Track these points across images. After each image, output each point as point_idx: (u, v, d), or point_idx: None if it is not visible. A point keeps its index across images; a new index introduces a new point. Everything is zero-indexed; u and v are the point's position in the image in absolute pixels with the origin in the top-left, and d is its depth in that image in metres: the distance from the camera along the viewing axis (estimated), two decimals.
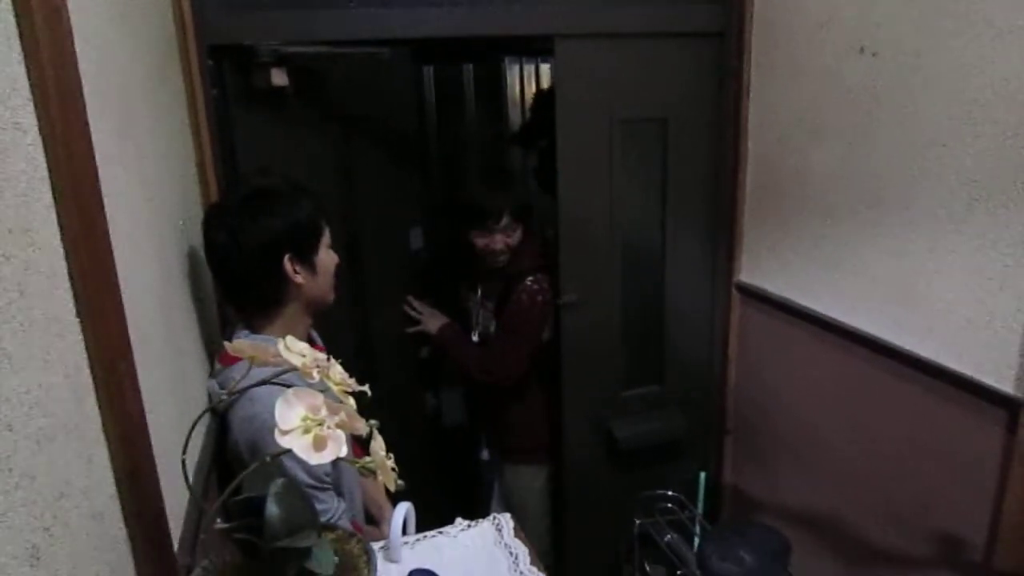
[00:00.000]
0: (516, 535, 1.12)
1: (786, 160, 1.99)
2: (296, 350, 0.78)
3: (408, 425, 2.51)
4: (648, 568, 2.23)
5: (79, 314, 0.72)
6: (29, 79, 0.66)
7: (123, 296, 0.84)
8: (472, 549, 1.10)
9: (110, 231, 0.82)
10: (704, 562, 1.72)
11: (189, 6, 1.57)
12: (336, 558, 0.78)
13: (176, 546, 0.97)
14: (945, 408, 1.59)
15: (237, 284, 1.40)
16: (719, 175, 2.21)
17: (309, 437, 0.70)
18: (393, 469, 0.78)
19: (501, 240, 2.12)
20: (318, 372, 0.78)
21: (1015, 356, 1.43)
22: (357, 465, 0.80)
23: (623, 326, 2.25)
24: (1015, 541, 1.44)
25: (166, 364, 1.09)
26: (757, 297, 2.19)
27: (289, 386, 0.73)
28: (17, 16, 0.65)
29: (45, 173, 0.68)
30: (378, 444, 0.78)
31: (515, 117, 4.44)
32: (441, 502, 2.56)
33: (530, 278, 2.15)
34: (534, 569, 1.04)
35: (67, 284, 0.71)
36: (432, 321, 2.31)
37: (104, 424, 0.77)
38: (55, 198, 0.69)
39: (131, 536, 0.81)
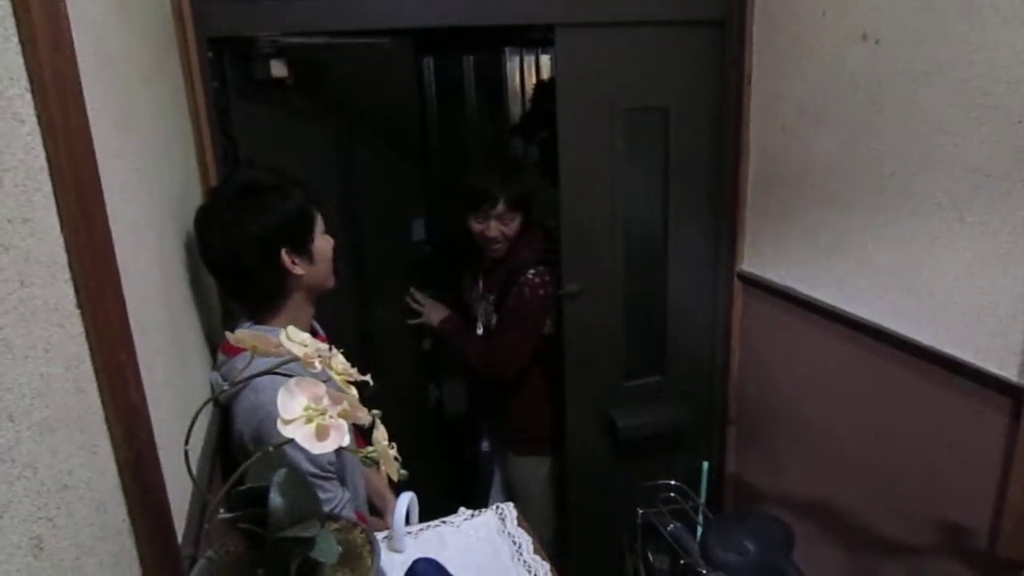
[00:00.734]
0: (519, 524, 1.13)
1: (788, 149, 1.99)
2: (298, 340, 0.78)
3: (410, 417, 2.51)
4: (651, 558, 2.23)
5: (79, 304, 0.72)
6: (27, 68, 0.66)
7: (124, 287, 0.83)
8: (475, 538, 1.11)
9: (110, 222, 0.82)
10: (707, 551, 1.72)
11: None
12: (339, 548, 0.78)
13: (180, 537, 0.97)
14: (948, 396, 1.59)
15: (237, 282, 1.40)
16: (721, 164, 2.20)
17: (311, 426, 0.70)
18: (396, 459, 0.78)
19: (496, 228, 2.12)
20: (320, 362, 0.78)
21: (1019, 343, 1.42)
22: (360, 455, 0.80)
23: (625, 316, 2.25)
24: (1019, 529, 1.44)
25: (168, 355, 1.09)
26: (759, 286, 2.18)
27: (291, 376, 0.73)
28: (14, 4, 0.64)
29: (44, 163, 0.68)
30: (380, 434, 0.78)
31: (515, 108, 4.43)
32: (442, 493, 2.57)
33: (532, 271, 2.14)
34: (537, 558, 1.04)
35: (67, 274, 0.71)
36: (434, 313, 2.32)
37: (106, 415, 0.77)
38: (54, 188, 0.69)
39: (134, 527, 0.81)
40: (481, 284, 2.30)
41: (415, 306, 2.35)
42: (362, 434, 0.85)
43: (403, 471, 0.80)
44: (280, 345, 0.78)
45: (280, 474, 0.75)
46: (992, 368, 1.48)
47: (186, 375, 1.21)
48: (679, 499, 2.22)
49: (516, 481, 2.43)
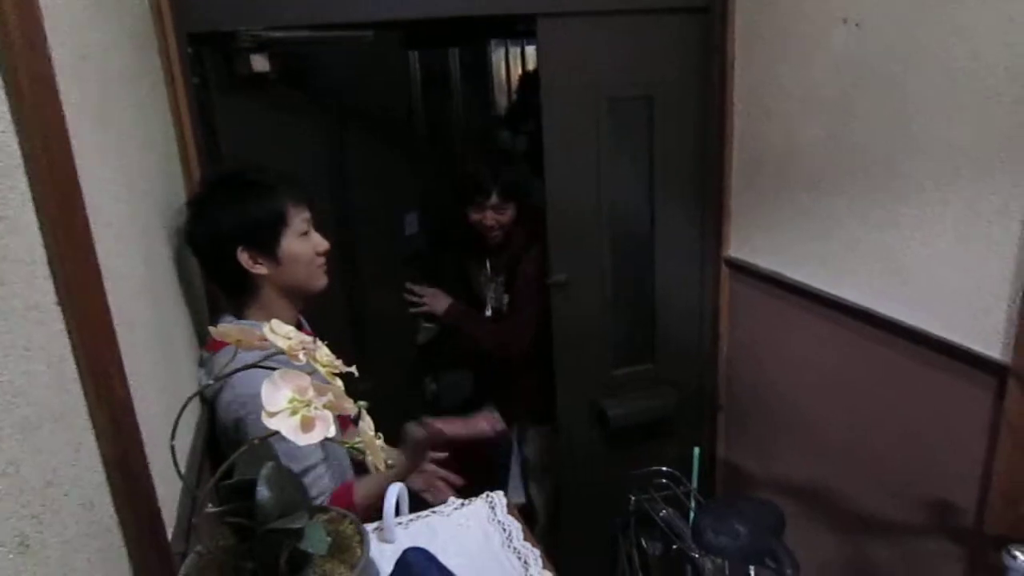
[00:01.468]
0: (509, 512, 1.13)
1: (773, 134, 1.99)
2: (281, 333, 0.78)
3: (407, 412, 2.50)
4: (645, 544, 2.25)
5: (60, 302, 0.72)
6: (0, 66, 0.65)
7: (106, 283, 0.83)
8: (466, 527, 1.11)
9: (90, 219, 0.81)
10: (699, 536, 1.73)
11: None
12: (329, 539, 0.78)
13: (170, 533, 0.97)
14: (934, 376, 1.60)
15: (209, 272, 1.47)
16: (706, 151, 2.21)
17: (296, 418, 0.70)
18: (382, 448, 0.79)
19: (492, 217, 2.21)
20: (304, 354, 0.78)
21: (1002, 322, 1.43)
22: (347, 446, 0.81)
23: (613, 305, 2.26)
24: (1005, 506, 1.46)
25: (154, 352, 1.09)
26: (746, 272, 2.19)
27: (275, 368, 0.73)
28: None
29: (20, 161, 0.67)
30: (366, 424, 0.78)
31: (502, 100, 4.43)
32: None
33: (531, 253, 2.23)
34: (527, 544, 1.05)
35: (47, 271, 0.70)
36: (438, 301, 2.34)
37: (91, 412, 0.76)
38: (31, 186, 0.69)
39: (123, 523, 0.81)
40: (488, 267, 2.37)
41: (414, 299, 2.36)
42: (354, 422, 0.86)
43: (391, 460, 0.81)
44: (264, 339, 0.78)
45: (267, 467, 0.76)
46: (976, 347, 1.49)
47: (173, 371, 1.21)
48: (671, 485, 2.23)
49: (538, 454, 2.48)
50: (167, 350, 1.19)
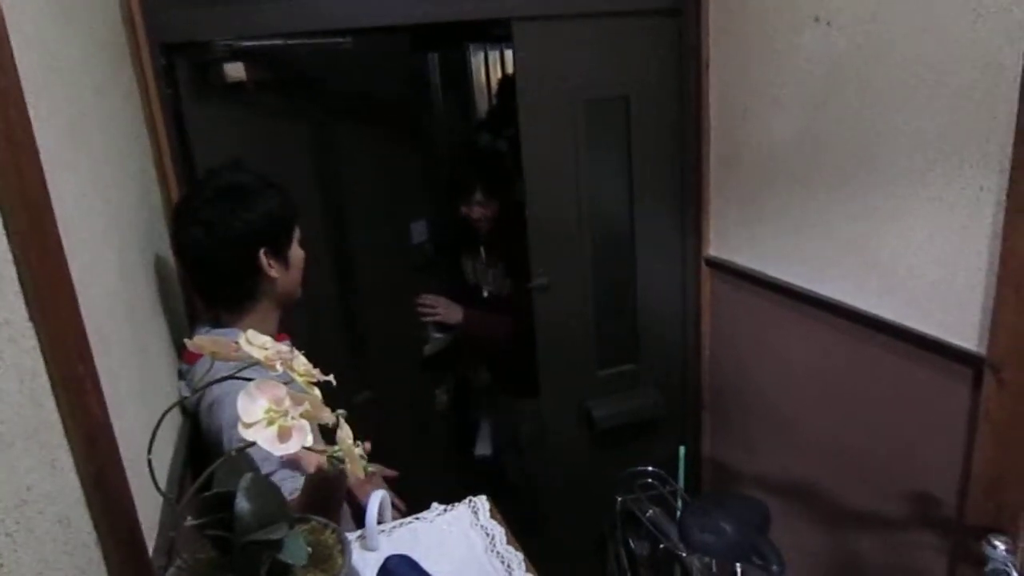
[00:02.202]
0: (492, 516, 1.13)
1: (749, 132, 2.01)
2: (257, 343, 0.78)
3: (416, 424, 2.47)
4: (632, 544, 2.25)
5: (32, 318, 0.71)
6: None
7: (80, 299, 0.83)
8: (449, 532, 1.11)
9: (63, 233, 0.81)
10: (685, 534, 1.74)
11: (138, 4, 1.55)
12: (309, 549, 0.78)
13: (152, 548, 0.96)
14: (912, 369, 1.62)
15: (211, 279, 1.40)
16: (683, 151, 2.22)
17: (273, 428, 0.70)
18: (361, 456, 0.79)
19: (479, 211, 2.41)
20: (281, 364, 0.77)
21: (977, 314, 1.45)
22: (326, 454, 0.80)
23: (595, 306, 2.26)
24: (984, 496, 1.47)
25: (131, 367, 1.08)
26: (726, 270, 2.21)
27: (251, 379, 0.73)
28: None
29: None
30: (345, 432, 0.78)
31: (482, 104, 4.43)
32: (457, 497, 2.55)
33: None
34: (510, 548, 1.05)
35: (17, 288, 0.70)
36: (453, 311, 2.42)
37: (66, 428, 0.76)
38: None
39: (101, 539, 0.80)
40: (483, 255, 2.52)
41: (427, 309, 2.41)
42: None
43: (371, 467, 0.81)
44: (239, 348, 0.78)
45: (246, 478, 0.75)
46: (953, 339, 1.51)
47: (152, 385, 1.20)
48: (657, 485, 2.25)
49: (520, 423, 2.55)
50: (145, 363, 1.18)
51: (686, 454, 2.38)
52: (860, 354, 1.76)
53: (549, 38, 1.99)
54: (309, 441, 0.71)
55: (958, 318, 1.49)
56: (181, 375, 1.40)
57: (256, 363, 0.77)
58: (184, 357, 1.40)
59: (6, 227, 0.69)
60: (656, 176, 2.22)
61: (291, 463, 1.20)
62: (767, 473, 2.18)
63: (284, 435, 0.70)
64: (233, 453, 0.77)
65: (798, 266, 1.92)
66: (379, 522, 1.12)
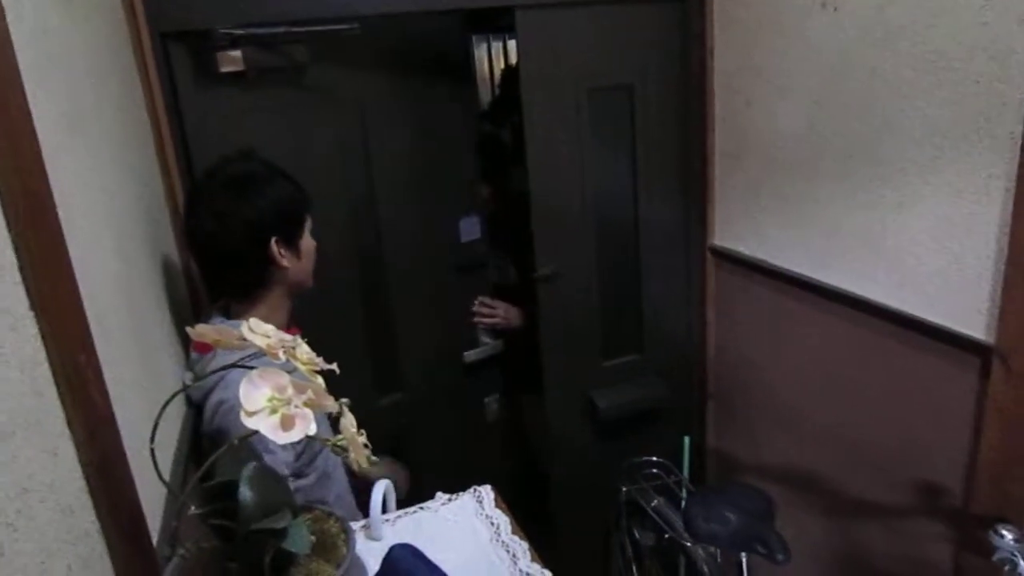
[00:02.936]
0: (497, 505, 1.13)
1: (754, 121, 1.99)
2: (260, 331, 0.77)
3: (462, 434, 2.37)
4: (637, 534, 2.25)
5: (33, 307, 0.71)
6: None
7: (81, 287, 0.82)
8: (453, 522, 1.11)
9: (63, 221, 0.80)
10: (690, 524, 1.74)
11: None
12: (313, 538, 0.78)
13: (156, 537, 0.96)
14: (919, 358, 1.61)
15: (222, 268, 1.40)
16: (688, 140, 2.21)
17: (276, 417, 0.70)
18: (365, 446, 0.78)
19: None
20: (284, 352, 0.77)
21: (984, 303, 1.44)
22: (329, 444, 0.80)
23: (600, 296, 2.25)
24: (991, 485, 1.47)
25: (134, 357, 1.08)
26: (732, 260, 2.20)
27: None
28: None
29: None
30: (348, 421, 0.77)
31: (485, 94, 4.41)
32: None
33: None
34: (515, 538, 1.05)
35: (17, 277, 0.69)
36: (514, 315, 2.38)
37: (68, 418, 0.75)
38: None
39: (104, 529, 0.80)
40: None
41: (486, 311, 2.36)
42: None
43: (374, 458, 0.80)
44: (243, 338, 0.77)
45: (250, 467, 0.75)
46: (960, 328, 1.50)
47: (155, 375, 1.19)
48: (662, 475, 2.24)
49: (531, 420, 2.51)
50: (148, 353, 1.18)
51: (691, 444, 2.38)
52: (866, 343, 1.75)
53: (552, 26, 1.98)
54: (312, 430, 0.70)
55: (965, 306, 1.48)
56: (190, 366, 1.40)
57: (261, 353, 0.76)
58: (194, 347, 1.39)
59: (5, 214, 0.68)
60: (661, 165, 2.21)
61: None
62: (772, 463, 2.18)
63: (287, 423, 0.70)
64: (235, 442, 0.76)
65: (804, 255, 1.91)
66: (383, 511, 1.12)
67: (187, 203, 1.40)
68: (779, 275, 1.99)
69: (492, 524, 1.08)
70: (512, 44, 3.84)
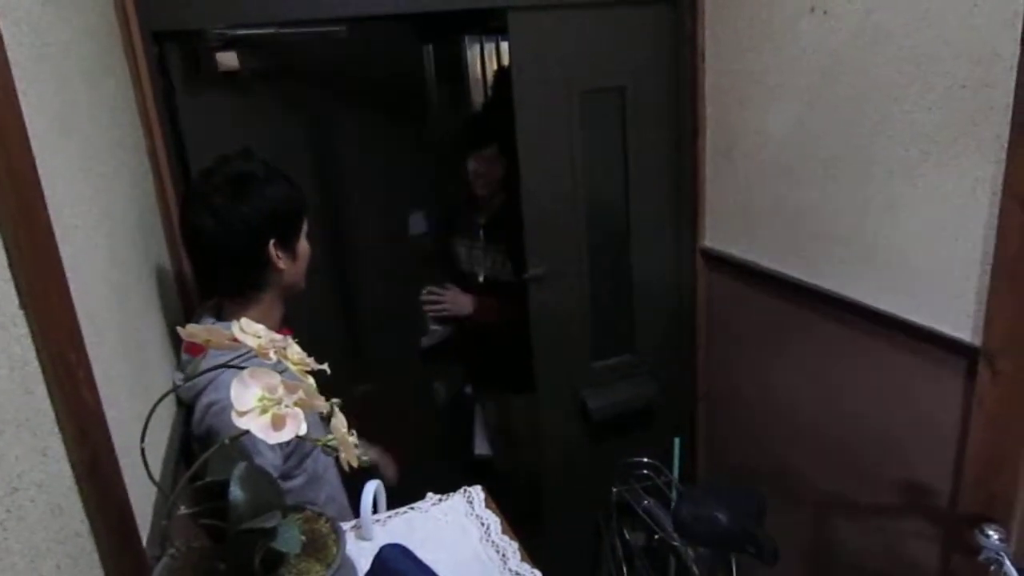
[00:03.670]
0: (487, 505, 1.13)
1: (745, 123, 2.00)
2: (251, 331, 0.77)
3: (416, 418, 2.45)
4: (627, 534, 2.26)
5: (23, 305, 0.71)
6: None
7: (72, 286, 0.82)
8: (444, 522, 1.11)
9: (54, 220, 0.80)
10: (680, 525, 1.75)
11: None
12: (303, 538, 0.78)
13: (145, 538, 0.96)
14: (907, 360, 1.62)
15: (218, 268, 1.39)
16: (679, 141, 2.21)
17: (267, 417, 0.70)
18: (356, 445, 0.78)
19: (485, 167, 2.32)
20: (275, 352, 0.77)
21: (972, 305, 1.45)
22: (320, 443, 0.80)
23: (591, 297, 2.26)
24: (977, 486, 1.48)
25: (125, 357, 1.08)
26: (722, 261, 2.21)
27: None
28: None
29: None
30: (339, 421, 0.78)
31: (478, 97, 4.41)
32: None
33: None
34: (505, 537, 1.05)
35: (8, 275, 0.69)
36: (461, 302, 2.36)
37: (58, 417, 0.75)
38: None
39: (94, 528, 0.80)
40: (482, 236, 2.42)
41: (434, 298, 2.36)
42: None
43: (365, 457, 0.80)
44: (234, 338, 0.77)
45: (240, 467, 0.75)
46: (947, 330, 1.51)
47: (146, 375, 1.19)
48: (652, 475, 2.25)
49: (514, 420, 2.50)
50: (138, 353, 1.17)
51: (681, 444, 2.39)
52: (855, 345, 1.76)
53: (545, 28, 1.98)
54: (303, 430, 0.71)
55: (952, 308, 1.50)
56: (181, 367, 1.39)
57: (252, 354, 0.76)
58: (186, 348, 1.39)
59: None
60: (652, 166, 2.22)
61: None
62: (762, 463, 2.19)
63: (278, 423, 0.70)
64: (227, 442, 0.76)
65: (793, 257, 1.92)
66: (374, 512, 1.12)
67: (184, 201, 1.39)
68: (769, 277, 2.00)
69: (482, 524, 1.09)
70: (505, 46, 3.84)
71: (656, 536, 2.07)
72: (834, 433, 1.87)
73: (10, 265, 0.70)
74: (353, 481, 1.52)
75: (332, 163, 2.13)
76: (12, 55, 0.75)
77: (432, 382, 2.69)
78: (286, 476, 1.33)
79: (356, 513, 1.14)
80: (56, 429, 0.75)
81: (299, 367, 0.78)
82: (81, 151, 1.05)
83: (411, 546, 0.96)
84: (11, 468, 0.64)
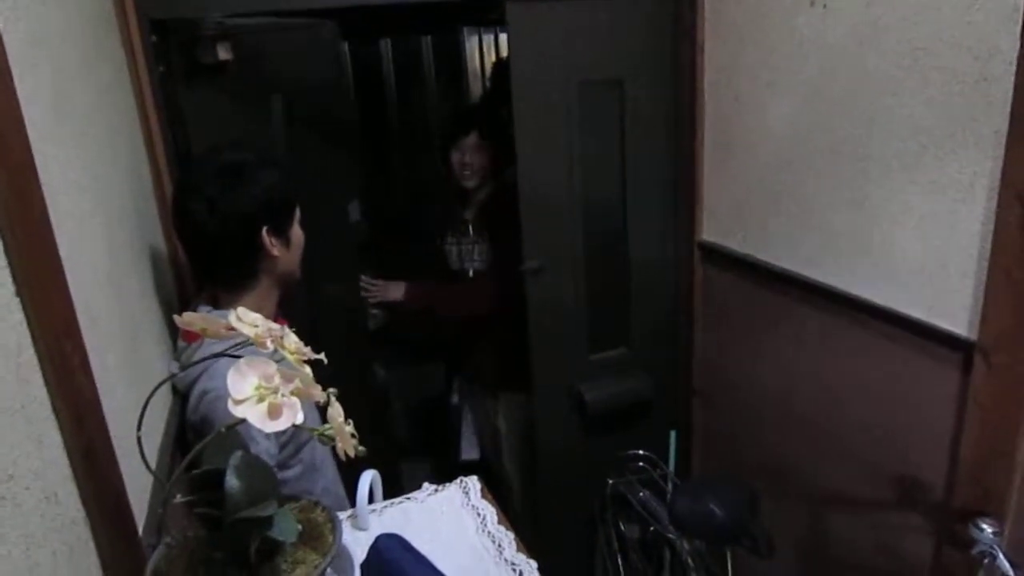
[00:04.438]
0: (483, 496, 1.13)
1: (743, 117, 2.00)
2: (248, 320, 0.77)
3: (362, 397, 2.48)
4: (622, 527, 2.27)
5: (19, 293, 0.71)
6: None
7: (68, 274, 0.82)
8: (440, 512, 1.11)
9: (50, 207, 0.80)
10: (675, 518, 1.75)
11: None
12: (299, 526, 0.78)
13: (141, 527, 0.96)
14: (903, 354, 1.62)
15: (211, 257, 1.39)
16: (677, 135, 2.21)
17: (263, 406, 0.70)
18: (352, 435, 0.78)
19: (471, 156, 2.33)
20: (272, 342, 0.77)
21: (968, 299, 1.46)
22: (316, 433, 0.80)
23: (588, 290, 2.26)
24: (971, 480, 1.49)
25: (120, 345, 1.08)
26: (719, 255, 2.21)
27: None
28: None
29: None
30: (336, 411, 0.78)
31: (476, 88, 4.41)
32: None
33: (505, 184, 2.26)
34: (501, 528, 1.05)
35: (3, 262, 0.69)
36: (393, 289, 2.38)
37: (54, 404, 0.75)
38: None
39: (90, 516, 0.80)
40: (471, 230, 2.44)
41: (370, 287, 2.39)
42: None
43: (361, 448, 0.80)
44: (231, 327, 0.77)
45: (236, 456, 0.75)
46: (943, 324, 1.51)
47: (141, 363, 1.19)
48: (648, 468, 2.26)
49: (508, 421, 2.51)
50: (135, 342, 1.17)
51: (677, 437, 2.40)
52: (851, 339, 1.76)
53: (543, 20, 1.97)
54: (300, 419, 0.71)
55: (949, 303, 1.50)
56: (178, 355, 1.39)
57: (248, 343, 0.76)
58: (182, 336, 1.39)
59: None
60: (650, 159, 2.21)
61: None
62: (757, 457, 2.19)
63: (274, 412, 0.70)
64: (223, 430, 0.76)
65: (790, 251, 1.92)
66: (370, 501, 1.12)
67: (177, 190, 1.38)
68: (766, 270, 2.01)
69: (478, 515, 1.09)
70: (504, 38, 3.84)
71: (651, 528, 2.07)
72: (830, 427, 1.88)
73: (6, 252, 0.69)
74: (350, 472, 1.53)
75: (294, 154, 2.13)
76: (8, 40, 0.75)
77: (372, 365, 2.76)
78: (282, 466, 1.33)
79: (353, 504, 1.14)
80: (52, 417, 0.75)
81: (295, 356, 0.78)
82: (77, 138, 1.05)
83: (407, 536, 0.96)
84: (6, 456, 0.64)
